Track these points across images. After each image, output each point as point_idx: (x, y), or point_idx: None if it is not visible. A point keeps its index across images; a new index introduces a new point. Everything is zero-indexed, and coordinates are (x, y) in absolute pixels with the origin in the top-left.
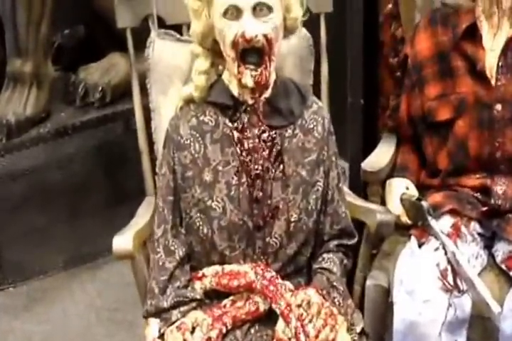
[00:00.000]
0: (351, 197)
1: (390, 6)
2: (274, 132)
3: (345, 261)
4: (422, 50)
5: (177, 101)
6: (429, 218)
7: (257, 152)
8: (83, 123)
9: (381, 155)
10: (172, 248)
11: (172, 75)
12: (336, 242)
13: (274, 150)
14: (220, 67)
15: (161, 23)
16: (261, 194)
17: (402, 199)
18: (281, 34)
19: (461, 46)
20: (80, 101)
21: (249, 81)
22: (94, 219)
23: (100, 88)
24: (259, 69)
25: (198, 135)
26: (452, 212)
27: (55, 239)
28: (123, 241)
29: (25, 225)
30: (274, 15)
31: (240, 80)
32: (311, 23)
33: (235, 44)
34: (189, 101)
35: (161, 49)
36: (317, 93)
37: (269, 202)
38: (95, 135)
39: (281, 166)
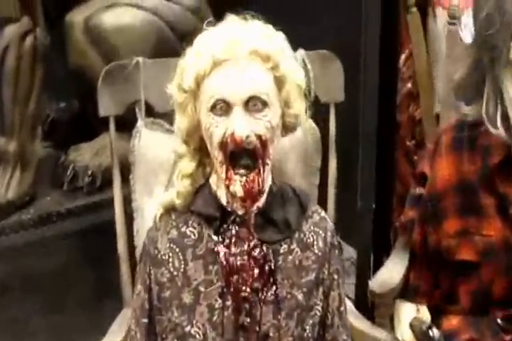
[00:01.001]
0: (355, 318)
1: (409, 85)
2: (266, 247)
3: None
4: (443, 178)
5: (156, 209)
6: None
7: (245, 271)
8: (69, 211)
9: (392, 271)
10: None
11: (158, 171)
12: None
13: (266, 268)
14: (208, 169)
15: (150, 111)
16: (248, 320)
17: (412, 325)
18: (279, 133)
19: (493, 182)
20: (67, 185)
21: (238, 189)
22: (77, 313)
23: (90, 172)
24: (251, 175)
25: (178, 250)
26: None
27: (33, 333)
28: None
29: (1, 316)
30: (270, 111)
31: (228, 187)
32: (318, 112)
33: (222, 145)
34: (170, 209)
35: (148, 140)
36: (323, 195)
37: (257, 328)
38: (81, 222)
39: (274, 287)
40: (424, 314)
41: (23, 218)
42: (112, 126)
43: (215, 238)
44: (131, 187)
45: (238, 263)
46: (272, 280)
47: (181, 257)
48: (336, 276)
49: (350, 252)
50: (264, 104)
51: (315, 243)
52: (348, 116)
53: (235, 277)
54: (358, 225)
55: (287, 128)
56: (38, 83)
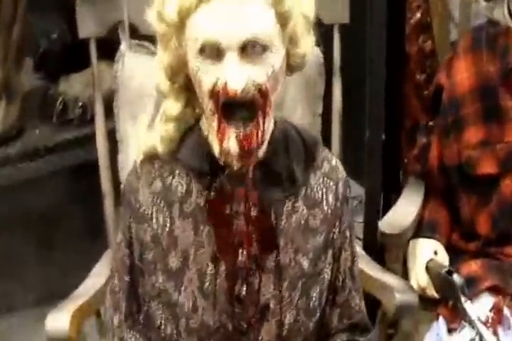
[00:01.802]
0: (365, 263)
1: (418, 15)
2: (266, 207)
3: None
4: (462, 82)
5: (136, 152)
6: (463, 299)
7: (242, 234)
8: (57, 144)
9: (404, 211)
10: None
11: (144, 97)
12: (344, 337)
13: (266, 231)
14: (198, 109)
15: (135, 33)
16: (245, 289)
17: (428, 268)
18: (283, 77)
19: None
20: (57, 118)
21: (233, 146)
22: (68, 251)
23: (80, 103)
24: (249, 128)
25: (162, 204)
26: (493, 289)
27: (24, 272)
28: (58, 319)
29: None
30: (271, 54)
31: (221, 142)
32: (321, 35)
33: (213, 94)
34: (153, 156)
35: (133, 64)
36: (327, 124)
37: (256, 300)
38: (71, 157)
39: (275, 253)
40: (443, 256)
41: (10, 152)
42: (93, 49)
43: (206, 193)
44: (114, 115)
45: (233, 224)
46: (272, 244)
47: (167, 213)
48: (347, 233)
49: (357, 190)
50: (265, 46)
51: (324, 198)
52: (354, 40)
53: (230, 240)
54: (366, 159)
55: (292, 68)
56: (22, 7)
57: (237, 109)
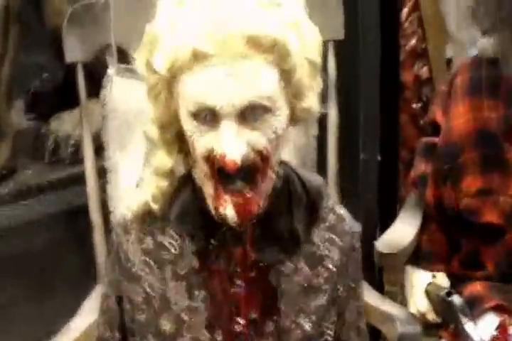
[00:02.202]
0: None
1: (413, 41)
2: (266, 268)
3: None
4: (459, 127)
5: (127, 209)
6: (464, 320)
7: (240, 298)
8: (51, 183)
9: (401, 231)
10: None
11: (133, 123)
12: None
13: (266, 294)
14: (191, 158)
15: (123, 56)
16: None
17: (428, 292)
18: (286, 132)
19: None
20: (49, 157)
21: (230, 213)
22: (62, 297)
23: (72, 142)
24: (247, 194)
25: (154, 264)
26: (497, 309)
27: (16, 319)
28: None
29: None
30: (274, 117)
31: (217, 209)
32: None
33: (209, 160)
34: (145, 213)
35: (121, 90)
36: (323, 147)
37: None
38: (65, 197)
39: (275, 317)
40: (442, 279)
41: (1, 192)
42: (80, 74)
43: (200, 255)
44: (103, 143)
45: (230, 288)
46: (273, 308)
47: (159, 275)
48: (353, 285)
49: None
50: (266, 109)
51: (329, 255)
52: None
53: (227, 306)
54: (361, 180)
55: (297, 121)
56: (13, 45)
57: (234, 177)
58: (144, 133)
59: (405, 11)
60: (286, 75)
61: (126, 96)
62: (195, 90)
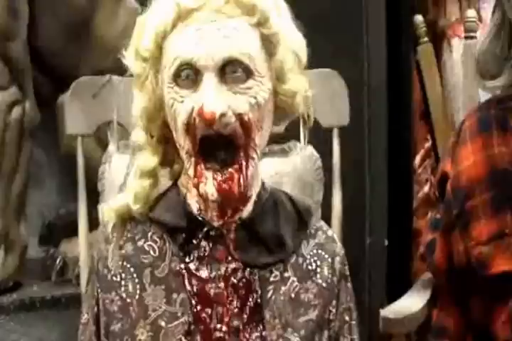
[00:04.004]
0: None
1: (425, 188)
2: (250, 273)
3: None
4: (468, 169)
5: (108, 214)
6: None
7: (221, 303)
8: (55, 299)
9: (409, 303)
10: None
11: None
12: None
13: (250, 301)
14: (176, 167)
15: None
16: None
17: None
18: (269, 115)
19: None
20: (55, 276)
21: (210, 189)
22: None
23: None
24: (229, 171)
25: (132, 269)
26: None
27: None
28: None
29: None
30: (255, 82)
31: (197, 187)
32: (319, 139)
33: (189, 128)
34: (125, 218)
35: (120, 165)
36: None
37: None
38: (66, 317)
39: (260, 328)
40: None
41: (4, 301)
42: (79, 147)
43: (181, 257)
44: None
45: (211, 292)
46: (257, 317)
47: (137, 280)
48: (347, 318)
49: None
50: (247, 71)
51: (318, 271)
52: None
53: (207, 311)
54: (368, 266)
55: (281, 110)
56: (24, 162)
57: (215, 150)
58: (131, 140)
59: (418, 158)
60: (269, 44)
61: (124, 171)
62: (176, 46)
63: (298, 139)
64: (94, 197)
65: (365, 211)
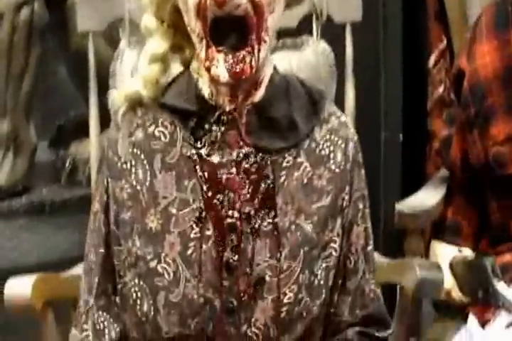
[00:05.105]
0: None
1: (440, 90)
2: (263, 158)
3: None
4: (485, 66)
5: (118, 101)
6: (496, 280)
7: (233, 189)
8: (64, 202)
9: (424, 197)
10: (100, 326)
11: None
12: (357, 329)
13: (262, 187)
14: (187, 52)
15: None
16: (236, 257)
17: (452, 265)
18: (280, 6)
19: None
20: (66, 178)
21: (221, 71)
22: None
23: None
24: (241, 53)
25: (143, 156)
26: None
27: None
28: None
29: None
30: None
31: (209, 70)
32: (333, 34)
33: (201, 9)
34: (135, 103)
35: (131, 61)
36: None
37: (248, 270)
38: (76, 217)
39: (272, 214)
40: (468, 252)
41: (14, 205)
42: (90, 44)
43: (192, 142)
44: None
45: (223, 177)
46: (269, 203)
47: (147, 166)
48: (360, 205)
49: None
50: None
51: (332, 156)
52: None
53: (219, 197)
54: (383, 163)
55: None
56: (34, 61)
57: (227, 32)
58: (142, 26)
59: (433, 57)
60: None
61: (135, 67)
62: None
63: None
64: (104, 98)
65: (380, 107)
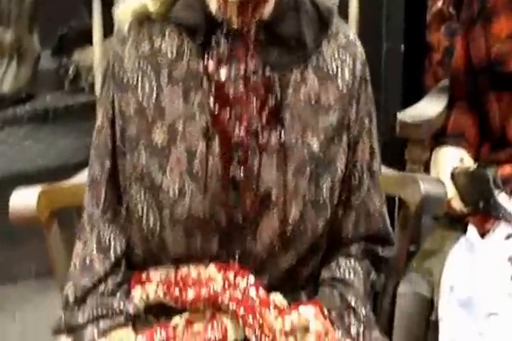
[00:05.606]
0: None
1: (439, 3)
2: (271, 73)
3: (372, 275)
4: None
5: (124, 15)
6: (497, 191)
7: (240, 103)
8: (68, 108)
9: (426, 106)
10: (105, 240)
11: None
12: (362, 246)
13: (270, 103)
14: None
15: None
16: (242, 173)
17: (453, 175)
18: None
19: None
20: (69, 85)
21: None
22: None
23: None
24: None
25: (149, 69)
26: None
27: (26, 243)
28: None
29: None
30: None
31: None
32: None
33: None
34: (143, 17)
35: None
36: None
37: (254, 186)
38: (80, 124)
39: (279, 130)
40: (469, 163)
41: (18, 112)
42: None
43: (200, 56)
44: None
45: (230, 92)
46: (276, 119)
47: (154, 80)
48: (367, 122)
49: None
50: None
51: (339, 73)
52: None
53: (226, 112)
54: (384, 73)
55: None
56: None
57: None
58: None
59: None
60: None
61: None
62: None
63: None
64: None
65: (382, 17)
